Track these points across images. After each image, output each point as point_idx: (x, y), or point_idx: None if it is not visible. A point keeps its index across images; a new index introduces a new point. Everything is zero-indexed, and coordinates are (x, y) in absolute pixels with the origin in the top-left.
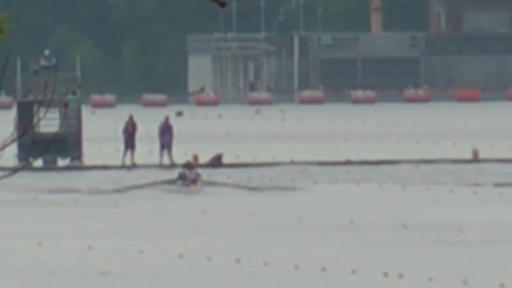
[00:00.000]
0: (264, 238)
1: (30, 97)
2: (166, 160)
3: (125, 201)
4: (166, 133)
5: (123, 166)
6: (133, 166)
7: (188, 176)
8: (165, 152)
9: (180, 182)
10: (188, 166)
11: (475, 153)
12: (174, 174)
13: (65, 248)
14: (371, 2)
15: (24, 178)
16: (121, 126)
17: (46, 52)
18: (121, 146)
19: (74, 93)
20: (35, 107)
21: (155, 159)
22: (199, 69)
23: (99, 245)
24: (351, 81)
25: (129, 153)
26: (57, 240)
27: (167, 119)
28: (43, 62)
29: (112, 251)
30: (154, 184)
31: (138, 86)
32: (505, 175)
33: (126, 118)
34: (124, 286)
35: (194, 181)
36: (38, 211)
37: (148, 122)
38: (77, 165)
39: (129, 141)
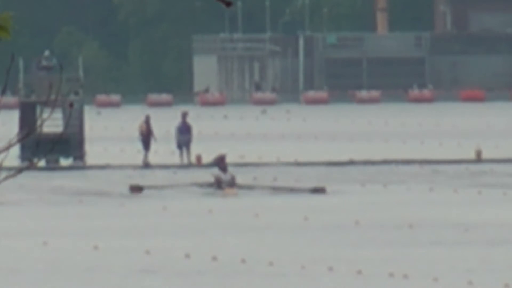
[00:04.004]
0: (270, 238)
1: (33, 97)
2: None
3: (130, 201)
4: (183, 132)
5: (145, 166)
6: (146, 165)
7: (224, 179)
8: (184, 151)
9: (215, 185)
10: (223, 169)
11: (478, 153)
12: (188, 174)
13: (71, 248)
14: (377, 2)
15: (28, 178)
16: (126, 126)
17: (46, 52)
18: (140, 147)
19: (76, 93)
20: (38, 107)
21: (160, 158)
22: (205, 70)
23: (104, 245)
24: (356, 81)
25: (145, 152)
26: (63, 240)
27: (184, 118)
28: (44, 62)
29: (118, 251)
30: (189, 185)
31: (143, 86)
32: (510, 175)
33: (143, 119)
34: (129, 286)
35: (230, 185)
36: (43, 211)
37: (154, 122)
38: (79, 165)
39: (145, 142)
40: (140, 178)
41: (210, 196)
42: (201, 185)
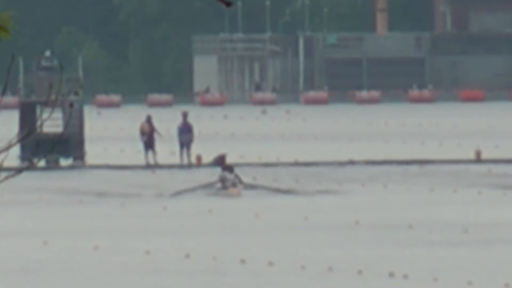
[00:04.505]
0: (270, 238)
1: (33, 98)
2: (185, 160)
3: (130, 201)
4: (184, 132)
5: (148, 166)
6: (156, 165)
7: (228, 178)
8: (184, 151)
9: (219, 185)
10: (228, 168)
11: (478, 153)
12: (192, 174)
13: (71, 248)
14: (377, 2)
15: (28, 179)
16: (126, 126)
17: (47, 52)
18: (141, 147)
19: (76, 93)
20: (38, 107)
21: (159, 158)
22: (205, 70)
23: (104, 245)
24: (356, 82)
25: (150, 153)
26: (63, 240)
27: (185, 118)
28: (44, 62)
29: (118, 251)
30: (194, 188)
31: (143, 86)
32: (510, 175)
33: (144, 119)
34: (129, 286)
35: (234, 184)
36: (43, 211)
37: (154, 122)
38: (79, 165)
39: (149, 142)
40: (140, 178)
41: (210, 196)
42: (203, 186)
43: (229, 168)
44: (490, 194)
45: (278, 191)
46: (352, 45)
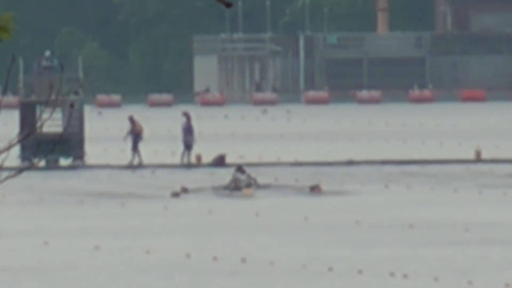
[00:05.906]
0: (270, 238)
1: (33, 98)
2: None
3: (130, 201)
4: (185, 132)
5: (130, 166)
6: (140, 165)
7: (241, 180)
8: (185, 151)
9: (232, 186)
10: (240, 169)
11: (478, 153)
12: (190, 174)
13: (71, 248)
14: (377, 2)
15: (28, 178)
16: (126, 126)
17: (47, 53)
18: (130, 148)
19: (76, 93)
20: (38, 107)
21: (159, 158)
22: (205, 70)
23: (104, 245)
24: (357, 81)
25: (137, 153)
26: (63, 240)
27: (188, 118)
28: (44, 62)
29: (118, 251)
30: (204, 188)
31: (144, 86)
32: (510, 175)
33: (130, 123)
34: (129, 286)
35: (248, 185)
36: (43, 211)
37: (154, 122)
38: (79, 165)
39: (139, 142)
40: (140, 178)
41: (211, 196)
42: (215, 187)
43: (240, 169)
44: (490, 194)
45: (291, 189)
46: (353, 45)
